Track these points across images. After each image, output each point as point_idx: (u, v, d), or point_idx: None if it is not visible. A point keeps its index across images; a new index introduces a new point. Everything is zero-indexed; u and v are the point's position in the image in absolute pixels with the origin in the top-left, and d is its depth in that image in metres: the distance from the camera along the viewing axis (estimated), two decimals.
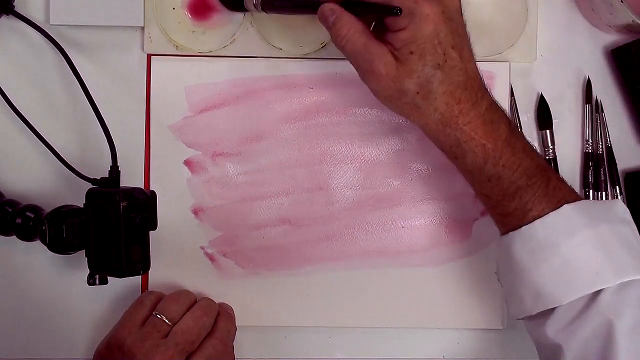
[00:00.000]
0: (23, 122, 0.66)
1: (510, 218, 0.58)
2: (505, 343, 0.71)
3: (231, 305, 0.69)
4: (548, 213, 0.56)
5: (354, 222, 0.70)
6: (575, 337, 0.55)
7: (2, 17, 0.68)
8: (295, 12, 0.65)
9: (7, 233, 0.66)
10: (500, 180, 0.58)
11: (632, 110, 0.71)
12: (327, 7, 0.58)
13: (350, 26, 0.57)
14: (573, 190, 0.59)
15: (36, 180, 0.69)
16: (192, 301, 0.66)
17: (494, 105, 0.58)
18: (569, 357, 0.56)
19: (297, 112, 0.70)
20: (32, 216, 0.65)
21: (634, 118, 0.71)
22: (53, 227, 0.63)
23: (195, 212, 0.70)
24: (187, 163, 0.70)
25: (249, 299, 0.70)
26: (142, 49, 0.69)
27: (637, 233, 0.58)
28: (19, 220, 0.65)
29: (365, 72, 0.58)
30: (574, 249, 0.56)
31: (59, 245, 0.63)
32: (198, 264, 0.70)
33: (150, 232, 0.64)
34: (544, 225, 0.56)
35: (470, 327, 0.71)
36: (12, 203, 0.67)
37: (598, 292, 0.55)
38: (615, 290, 0.55)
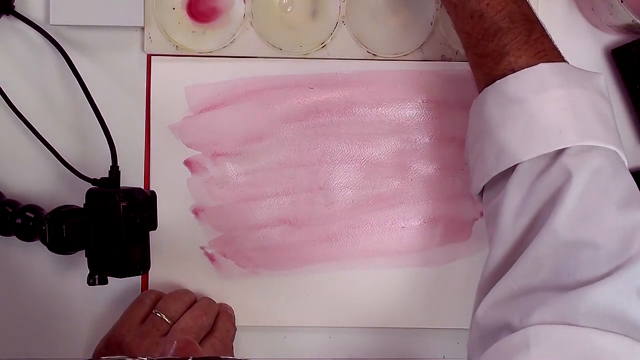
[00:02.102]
0: (23, 122, 0.66)
1: (487, 60, 0.56)
2: None
3: (231, 305, 0.69)
4: (524, 63, 0.55)
5: (354, 222, 0.70)
6: (531, 197, 0.54)
7: (2, 17, 0.68)
8: None
9: (7, 233, 0.66)
10: (482, 18, 0.56)
11: (632, 110, 0.71)
12: None
13: None
14: (556, 49, 0.57)
15: (36, 180, 0.69)
16: (192, 300, 0.66)
17: None
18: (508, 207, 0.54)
19: (297, 112, 0.70)
20: (32, 216, 0.65)
21: (634, 118, 0.71)
22: (53, 227, 0.63)
23: (195, 212, 0.70)
24: (187, 163, 0.70)
25: (249, 299, 0.70)
26: (142, 49, 0.69)
27: (612, 109, 0.57)
28: (19, 220, 0.65)
29: None
30: (542, 105, 0.54)
31: (59, 245, 0.63)
32: (198, 264, 0.70)
33: (150, 232, 0.64)
34: (516, 80, 0.55)
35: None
36: (12, 203, 0.67)
37: (559, 154, 0.53)
38: (577, 152, 0.53)
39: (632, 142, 0.71)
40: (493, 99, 0.56)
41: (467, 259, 0.70)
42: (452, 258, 0.70)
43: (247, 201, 0.70)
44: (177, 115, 0.69)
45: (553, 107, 0.54)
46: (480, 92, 0.58)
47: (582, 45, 0.71)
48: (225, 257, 0.70)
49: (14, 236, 0.66)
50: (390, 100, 0.70)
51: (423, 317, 0.70)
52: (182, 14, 0.68)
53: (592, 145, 0.53)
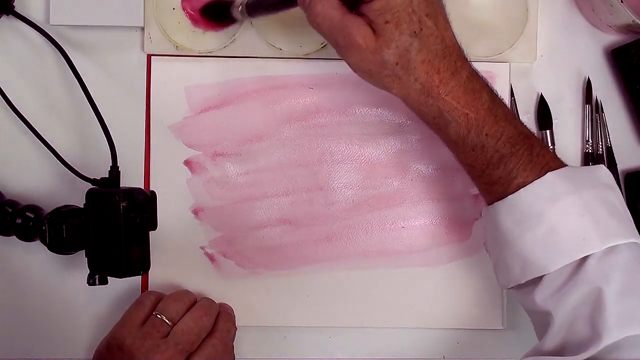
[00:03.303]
0: (23, 122, 0.66)
1: (496, 186, 0.58)
2: (505, 343, 0.71)
3: (231, 305, 0.69)
4: (532, 180, 0.56)
5: (354, 222, 0.70)
6: (564, 304, 0.56)
7: (2, 17, 0.68)
8: (280, 8, 0.64)
9: (7, 233, 0.66)
10: (484, 149, 0.58)
11: (632, 110, 0.71)
12: None
13: (324, 3, 0.57)
14: (556, 157, 0.59)
15: (36, 180, 0.69)
16: (192, 301, 0.66)
17: (474, 74, 0.59)
18: (558, 322, 0.56)
19: (297, 112, 0.70)
20: (32, 216, 0.65)
21: (634, 118, 0.71)
22: (53, 227, 0.63)
23: (195, 212, 0.70)
24: (187, 163, 0.70)
25: (249, 299, 0.70)
26: (142, 49, 0.69)
27: (622, 198, 0.59)
28: (19, 220, 0.65)
29: (344, 47, 0.57)
30: (559, 216, 0.56)
31: (59, 245, 0.63)
32: (198, 264, 0.70)
33: (150, 232, 0.64)
34: (528, 194, 0.56)
35: (470, 327, 0.71)
36: (12, 203, 0.67)
37: (585, 258, 0.55)
38: (602, 255, 0.55)
39: (632, 142, 0.71)
40: (507, 214, 0.58)
41: (467, 259, 0.70)
42: (452, 258, 0.70)
43: (247, 201, 0.70)
44: (177, 115, 0.69)
45: (570, 215, 0.56)
46: (488, 202, 0.60)
47: (582, 45, 0.71)
48: (225, 257, 0.70)
49: (14, 236, 0.66)
50: (390, 100, 0.70)
51: (423, 317, 0.70)
52: (182, 14, 0.68)
53: (614, 245, 0.55)
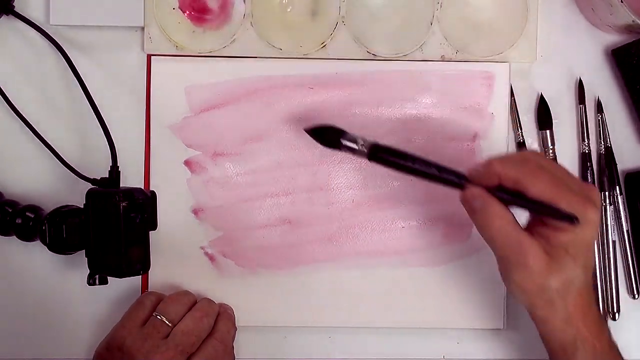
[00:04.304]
0: (23, 122, 0.66)
1: None
2: (505, 343, 0.71)
3: (231, 305, 0.69)
4: None
5: (354, 222, 0.70)
6: None
7: (2, 17, 0.68)
8: (410, 173, 0.59)
9: (7, 233, 0.66)
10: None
11: (632, 110, 0.71)
12: (472, 192, 0.57)
13: (502, 217, 0.56)
14: None
15: (36, 180, 0.69)
16: (192, 302, 0.66)
17: (597, 303, 0.60)
18: None
19: (297, 112, 0.70)
20: (32, 216, 0.65)
21: (634, 118, 0.71)
22: (53, 227, 0.63)
23: (195, 212, 0.70)
24: (187, 163, 0.70)
25: (249, 299, 0.70)
26: (142, 49, 0.69)
27: None
28: (19, 220, 0.65)
29: (513, 264, 0.56)
30: None
31: (59, 245, 0.63)
32: (198, 264, 0.70)
33: (150, 232, 0.64)
34: None
35: (470, 327, 0.71)
36: (12, 203, 0.67)
37: None
38: None
39: (632, 142, 0.71)
40: None
41: (467, 259, 0.70)
42: (452, 258, 0.70)
43: (247, 201, 0.70)
44: (177, 115, 0.69)
45: None
46: None
47: (582, 45, 0.71)
48: (225, 257, 0.70)
49: (14, 236, 0.66)
50: (390, 100, 0.70)
51: (423, 317, 0.70)
52: (182, 13, 0.68)
53: None
